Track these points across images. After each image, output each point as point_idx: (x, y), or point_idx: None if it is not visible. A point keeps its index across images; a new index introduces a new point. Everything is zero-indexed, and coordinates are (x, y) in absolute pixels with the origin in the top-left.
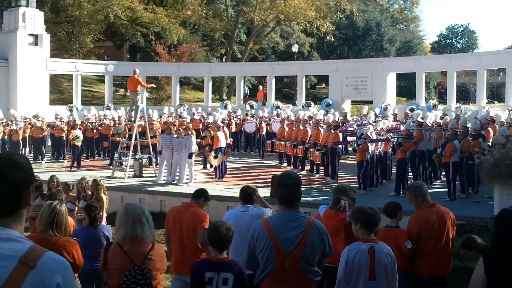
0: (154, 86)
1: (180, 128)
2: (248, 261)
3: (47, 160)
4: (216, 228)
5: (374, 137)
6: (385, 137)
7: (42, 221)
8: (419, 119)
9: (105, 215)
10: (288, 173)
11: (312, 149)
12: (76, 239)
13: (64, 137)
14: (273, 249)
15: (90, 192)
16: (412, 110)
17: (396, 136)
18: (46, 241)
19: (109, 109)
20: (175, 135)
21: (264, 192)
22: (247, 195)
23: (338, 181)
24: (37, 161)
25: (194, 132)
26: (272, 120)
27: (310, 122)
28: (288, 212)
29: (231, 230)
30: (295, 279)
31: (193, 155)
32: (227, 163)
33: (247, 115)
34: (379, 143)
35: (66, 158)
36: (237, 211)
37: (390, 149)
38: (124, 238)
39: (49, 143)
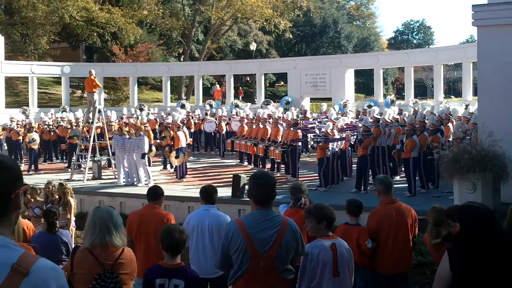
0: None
1: (131, 129)
2: (221, 261)
3: None
4: (169, 232)
5: (336, 134)
6: (344, 135)
7: None
8: (375, 115)
9: (73, 218)
10: (265, 173)
11: (272, 148)
12: (32, 245)
13: (21, 141)
14: (248, 249)
15: (57, 196)
16: (370, 106)
17: (355, 133)
18: None
19: (65, 111)
20: (127, 136)
21: (225, 192)
22: (208, 194)
23: (299, 179)
24: None
25: (151, 132)
26: (231, 119)
27: (270, 120)
28: (263, 212)
29: (184, 233)
30: (270, 278)
31: (146, 155)
32: (187, 164)
33: (206, 114)
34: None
35: (23, 161)
36: (201, 210)
37: (349, 146)
38: (93, 244)
39: (6, 147)
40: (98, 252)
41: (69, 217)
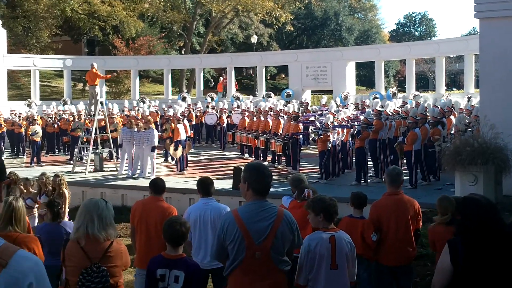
0: (109, 76)
1: (140, 122)
2: (217, 253)
3: (6, 156)
4: (170, 224)
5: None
6: (346, 124)
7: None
8: (377, 108)
9: (67, 210)
10: (262, 164)
11: (273, 140)
12: (38, 236)
13: (23, 133)
14: (243, 239)
15: (51, 188)
16: (375, 98)
17: (356, 124)
18: (6, 238)
19: (65, 103)
20: (136, 129)
21: (226, 184)
22: (205, 187)
23: (300, 171)
24: None
25: (153, 125)
26: (232, 111)
27: (271, 113)
28: (259, 202)
29: (185, 226)
30: (265, 269)
31: (156, 149)
32: (188, 156)
33: (207, 107)
34: (340, 133)
35: (25, 154)
36: (200, 204)
37: (350, 138)
38: (78, 235)
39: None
40: (84, 244)
41: (63, 209)
